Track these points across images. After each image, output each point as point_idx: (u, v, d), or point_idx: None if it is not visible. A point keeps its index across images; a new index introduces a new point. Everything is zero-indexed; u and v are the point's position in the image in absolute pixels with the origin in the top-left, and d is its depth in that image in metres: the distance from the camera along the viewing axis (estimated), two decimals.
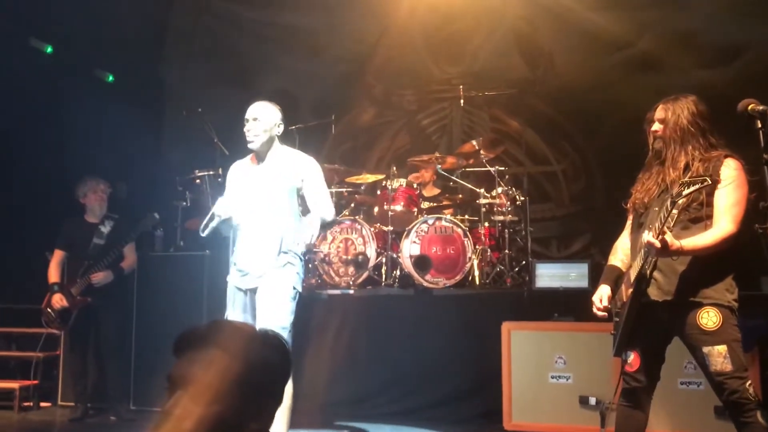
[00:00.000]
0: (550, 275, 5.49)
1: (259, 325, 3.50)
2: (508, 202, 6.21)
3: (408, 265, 5.83)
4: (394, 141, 8.27)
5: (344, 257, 6.01)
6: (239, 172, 4.12)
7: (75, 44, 7.03)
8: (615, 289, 3.19)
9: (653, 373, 3.07)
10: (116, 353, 5.57)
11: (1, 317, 6.45)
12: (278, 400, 1.59)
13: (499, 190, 6.24)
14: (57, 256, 5.62)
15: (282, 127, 4.04)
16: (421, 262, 5.81)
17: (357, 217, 6.22)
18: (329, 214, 4.01)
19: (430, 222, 5.95)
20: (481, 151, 6.45)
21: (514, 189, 6.35)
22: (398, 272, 5.96)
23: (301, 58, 7.95)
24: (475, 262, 5.89)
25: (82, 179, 5.70)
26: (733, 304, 2.91)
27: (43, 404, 6.04)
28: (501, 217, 6.19)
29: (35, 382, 5.95)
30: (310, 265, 5.78)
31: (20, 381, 5.97)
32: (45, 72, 6.78)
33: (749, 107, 2.74)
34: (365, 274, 5.94)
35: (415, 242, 5.88)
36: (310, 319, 5.28)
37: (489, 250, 6.07)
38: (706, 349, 2.85)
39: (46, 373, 6.07)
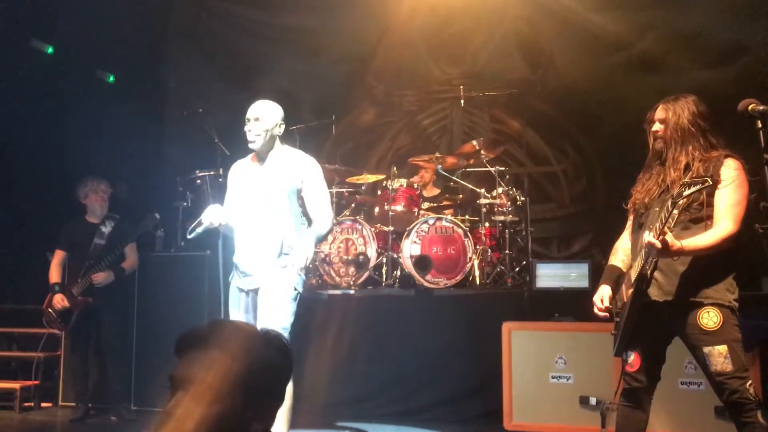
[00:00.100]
0: (550, 275, 5.49)
1: (260, 325, 3.49)
2: (509, 203, 6.21)
3: (408, 265, 5.83)
4: (394, 141, 8.27)
5: (345, 257, 6.01)
6: (240, 171, 4.10)
7: (76, 45, 7.03)
8: (615, 290, 3.19)
9: (654, 373, 3.07)
10: (117, 353, 5.58)
11: (2, 317, 6.45)
12: (280, 400, 1.60)
13: (500, 190, 6.24)
14: (58, 257, 5.62)
15: (283, 127, 4.01)
16: (422, 263, 5.81)
17: (357, 217, 6.22)
18: (326, 223, 3.95)
19: (431, 222, 5.96)
20: (482, 152, 6.45)
21: (514, 189, 6.35)
22: (399, 272, 5.96)
23: (302, 59, 7.95)
24: (476, 263, 5.89)
25: (83, 180, 5.70)
26: (734, 304, 2.91)
27: (44, 404, 6.04)
28: (501, 218, 6.19)
29: (36, 382, 5.95)
30: (311, 266, 5.78)
31: (21, 381, 5.98)
32: (46, 73, 6.78)
33: (749, 107, 2.74)
34: (366, 275, 5.94)
35: (415, 242, 5.88)
36: (311, 320, 5.28)
37: (489, 251, 6.08)
38: (706, 349, 2.85)
39: (47, 374, 6.07)
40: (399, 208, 6.09)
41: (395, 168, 6.47)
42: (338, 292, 5.82)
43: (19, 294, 6.38)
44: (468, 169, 6.82)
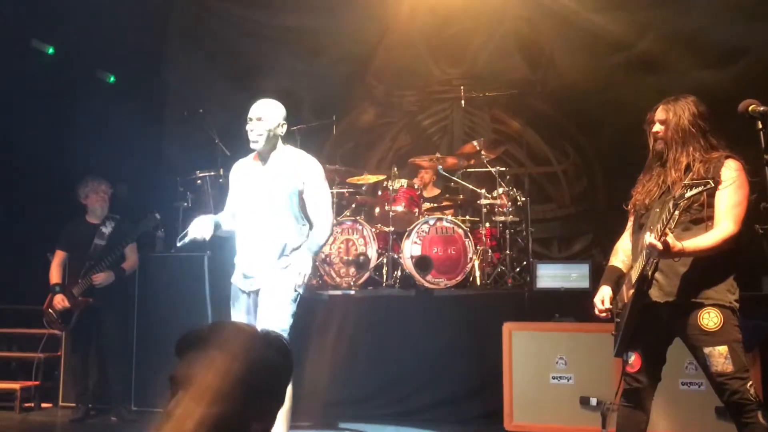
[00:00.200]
0: (551, 276, 5.49)
1: (259, 326, 3.49)
2: (509, 203, 6.21)
3: (409, 265, 5.84)
4: (395, 141, 8.28)
5: (345, 258, 6.01)
6: (241, 171, 4.07)
7: (76, 45, 7.03)
8: (616, 290, 3.19)
9: (654, 373, 3.07)
10: (117, 354, 5.57)
11: (3, 318, 6.45)
12: (280, 401, 1.60)
13: (500, 190, 6.24)
14: (58, 257, 5.62)
15: (285, 127, 3.97)
16: (422, 263, 5.81)
17: (358, 217, 6.22)
18: (324, 230, 3.93)
19: (431, 222, 5.96)
20: (482, 152, 6.45)
21: (515, 189, 6.35)
22: (399, 273, 5.96)
23: (302, 59, 7.95)
24: (476, 263, 5.89)
25: (83, 180, 5.70)
26: (735, 304, 2.91)
27: (44, 405, 6.04)
28: (502, 218, 6.19)
29: (36, 382, 5.95)
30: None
31: (21, 382, 5.98)
32: (46, 73, 6.78)
33: (750, 108, 2.74)
34: (366, 275, 5.95)
35: (416, 243, 5.88)
36: (312, 320, 5.28)
37: (490, 251, 6.08)
38: (707, 350, 2.85)
39: (48, 374, 6.07)
40: (399, 208, 6.09)
41: (396, 168, 6.47)
42: (339, 292, 5.82)
43: (20, 294, 6.37)
44: (468, 170, 6.82)
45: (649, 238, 2.81)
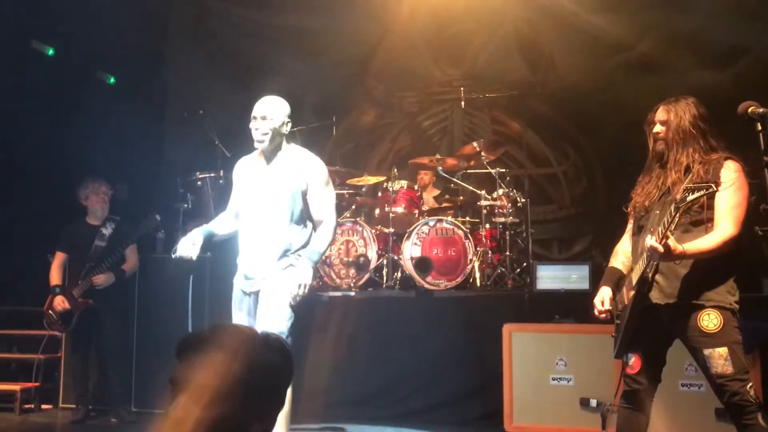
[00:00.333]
0: (551, 277, 5.49)
1: (258, 328, 3.47)
2: (509, 204, 6.22)
3: (409, 266, 5.84)
4: (395, 143, 8.29)
5: (345, 259, 6.01)
6: (246, 168, 4.00)
7: (76, 46, 7.03)
8: (616, 292, 3.19)
9: (654, 375, 3.07)
10: (118, 355, 5.57)
11: (3, 319, 6.45)
12: (281, 403, 1.60)
13: (500, 191, 6.25)
14: (58, 259, 5.62)
15: (290, 125, 3.90)
16: (422, 264, 5.82)
17: (358, 218, 6.23)
18: (326, 235, 3.86)
19: (431, 224, 5.96)
20: (482, 153, 6.46)
21: (515, 191, 6.36)
22: (399, 274, 5.97)
23: (303, 60, 7.95)
24: (476, 264, 5.89)
25: (83, 181, 5.70)
26: (735, 306, 2.91)
27: (44, 406, 6.03)
28: (502, 219, 6.20)
29: (36, 384, 5.94)
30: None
31: (22, 383, 5.96)
32: (46, 74, 6.78)
33: (749, 110, 2.74)
34: (366, 276, 5.95)
35: (416, 244, 5.88)
36: (312, 321, 5.27)
37: (490, 252, 6.08)
38: (707, 352, 2.85)
39: (48, 376, 6.06)
40: (399, 209, 6.10)
41: (396, 169, 6.48)
42: (339, 293, 5.83)
43: (20, 296, 6.37)
44: (468, 171, 6.83)
45: (650, 240, 2.81)
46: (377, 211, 6.40)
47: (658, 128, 3.10)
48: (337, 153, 7.89)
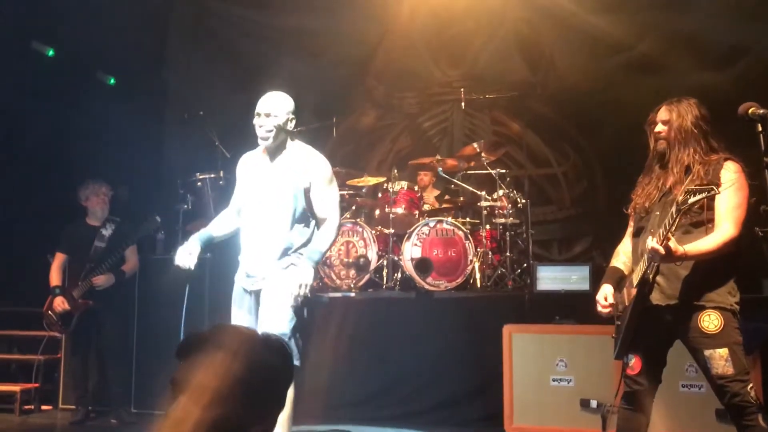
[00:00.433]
0: (551, 278, 5.49)
1: (259, 329, 3.44)
2: (509, 205, 6.22)
3: (409, 267, 5.84)
4: (395, 144, 8.29)
5: (345, 260, 6.01)
6: (250, 163, 3.94)
7: (76, 47, 7.03)
8: (617, 291, 3.19)
9: (654, 376, 3.07)
10: (118, 356, 5.57)
11: (3, 320, 6.44)
12: (281, 404, 1.60)
13: (501, 192, 6.25)
14: (58, 259, 5.62)
15: (295, 121, 3.81)
16: (423, 265, 5.81)
17: (358, 219, 6.23)
18: (329, 234, 3.78)
19: (432, 225, 5.96)
20: (482, 154, 6.46)
21: (515, 191, 6.36)
22: (399, 275, 5.97)
23: (303, 60, 7.95)
24: (477, 265, 5.89)
25: (84, 182, 5.70)
26: (735, 307, 2.91)
27: (44, 407, 6.03)
28: (502, 220, 6.20)
29: (36, 385, 5.94)
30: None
31: (21, 384, 5.97)
32: (47, 75, 6.79)
33: (750, 111, 2.74)
34: (366, 277, 5.95)
35: (416, 245, 5.88)
36: (312, 322, 5.25)
37: (490, 253, 6.08)
38: (707, 352, 2.85)
39: (48, 376, 6.06)
40: (400, 210, 6.10)
41: (396, 170, 6.48)
42: (339, 294, 5.83)
43: (20, 297, 6.37)
44: (468, 172, 6.83)
45: (651, 242, 2.81)
46: (377, 211, 6.41)
47: (660, 127, 3.10)
48: (337, 154, 7.87)
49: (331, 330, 5.32)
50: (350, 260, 5.99)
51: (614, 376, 4.46)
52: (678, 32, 6.95)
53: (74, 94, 6.86)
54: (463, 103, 7.24)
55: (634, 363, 3.04)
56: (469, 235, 5.89)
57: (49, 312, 5.45)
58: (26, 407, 5.92)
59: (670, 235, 2.75)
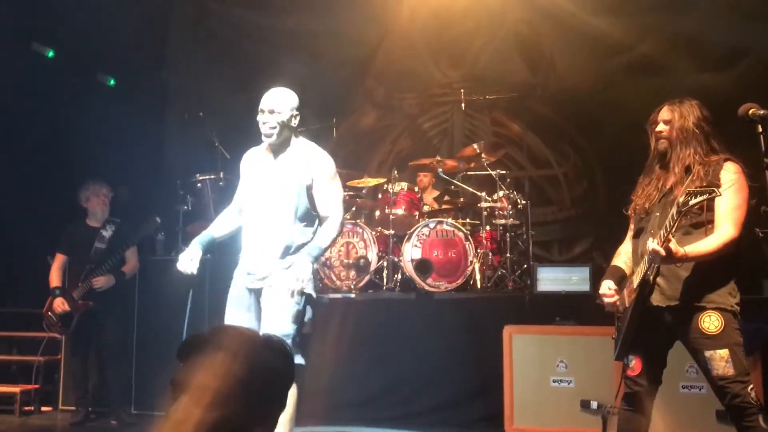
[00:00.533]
0: (551, 279, 5.49)
1: (262, 330, 3.43)
2: (510, 206, 6.22)
3: (409, 268, 5.84)
4: (395, 144, 8.29)
5: (346, 261, 6.01)
6: (253, 160, 3.89)
7: (76, 48, 7.03)
8: (618, 289, 3.19)
9: (655, 377, 3.07)
10: (118, 357, 5.57)
11: (3, 321, 6.44)
12: (282, 405, 1.60)
13: (501, 193, 6.25)
14: (58, 260, 5.62)
15: (299, 118, 3.77)
16: (423, 266, 5.81)
17: (358, 220, 6.23)
18: (330, 231, 3.72)
19: (432, 226, 5.96)
20: (483, 155, 6.46)
21: (515, 192, 6.36)
22: (399, 276, 5.97)
23: (303, 62, 7.94)
24: (477, 266, 5.89)
25: (84, 183, 5.69)
26: (736, 308, 2.91)
27: (44, 408, 6.03)
28: (502, 221, 6.20)
29: (36, 386, 5.94)
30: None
31: (21, 385, 5.97)
32: (47, 76, 6.78)
33: (750, 112, 2.75)
34: (367, 278, 5.95)
35: (416, 246, 5.88)
36: (312, 323, 5.26)
37: (490, 254, 6.08)
38: (708, 353, 2.85)
39: (48, 377, 6.06)
40: (400, 211, 6.10)
41: (396, 171, 6.48)
42: (339, 295, 5.83)
43: (20, 298, 6.37)
44: (469, 173, 6.83)
45: (652, 243, 2.81)
46: (377, 212, 6.40)
47: (661, 127, 3.10)
48: (337, 155, 7.80)
49: (332, 331, 5.31)
50: (350, 261, 5.99)
51: (614, 377, 4.47)
52: (678, 33, 6.95)
53: (74, 95, 6.86)
54: (463, 104, 7.24)
55: (635, 364, 3.05)
56: (470, 236, 5.89)
57: (49, 313, 5.44)
58: (26, 408, 5.92)
59: (670, 236, 2.75)
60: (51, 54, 7.06)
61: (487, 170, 6.46)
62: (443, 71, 8.13)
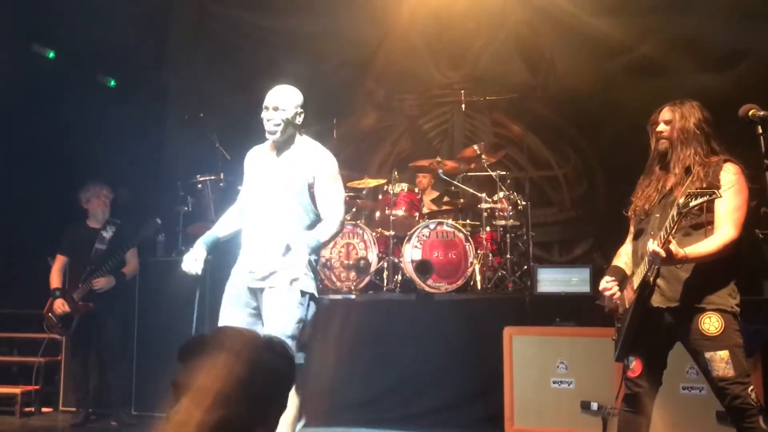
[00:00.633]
0: (551, 280, 5.49)
1: (264, 331, 3.41)
2: (510, 207, 6.22)
3: (409, 269, 5.83)
4: (395, 145, 8.29)
5: (346, 262, 6.01)
6: (257, 158, 3.86)
7: (77, 50, 7.04)
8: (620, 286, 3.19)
9: (655, 378, 3.07)
10: (118, 358, 5.57)
11: (3, 322, 6.44)
12: (282, 406, 1.60)
13: (501, 194, 6.25)
14: (59, 262, 5.62)
15: (303, 115, 3.77)
16: (423, 267, 5.81)
17: (358, 221, 6.23)
18: (329, 228, 3.65)
19: (432, 227, 5.96)
20: (483, 156, 6.46)
21: (515, 193, 6.36)
22: (400, 277, 5.97)
23: (303, 62, 7.92)
24: (477, 267, 5.89)
25: (85, 185, 5.70)
26: (736, 309, 2.91)
27: (44, 409, 6.04)
28: (503, 222, 6.20)
29: (37, 387, 5.95)
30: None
31: (22, 386, 5.97)
32: (47, 77, 6.79)
33: (750, 112, 2.75)
34: (367, 279, 5.94)
35: (416, 247, 5.88)
36: (312, 324, 5.26)
37: (491, 255, 6.08)
38: (708, 355, 2.85)
39: (48, 379, 6.06)
40: (400, 212, 6.10)
41: (396, 172, 6.48)
42: (339, 296, 5.82)
43: (20, 299, 6.37)
44: (469, 174, 6.83)
45: (652, 245, 2.81)
46: (378, 213, 6.40)
47: (662, 127, 3.10)
48: (337, 156, 7.82)
49: (332, 332, 5.30)
50: (350, 262, 5.99)
51: (615, 378, 4.46)
52: (678, 34, 6.95)
53: (74, 96, 6.86)
54: (463, 105, 7.24)
55: (635, 365, 3.05)
56: (470, 237, 5.89)
57: (50, 314, 5.45)
58: (27, 409, 5.92)
59: (671, 238, 2.76)
60: (51, 55, 7.07)
61: (488, 171, 6.45)
62: (443, 72, 8.13)
